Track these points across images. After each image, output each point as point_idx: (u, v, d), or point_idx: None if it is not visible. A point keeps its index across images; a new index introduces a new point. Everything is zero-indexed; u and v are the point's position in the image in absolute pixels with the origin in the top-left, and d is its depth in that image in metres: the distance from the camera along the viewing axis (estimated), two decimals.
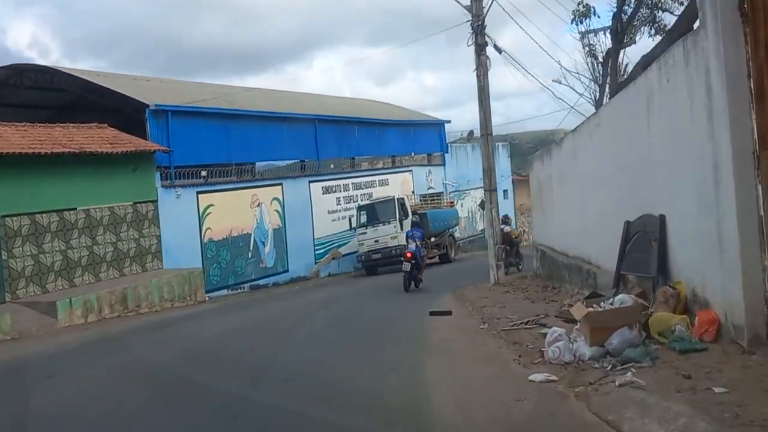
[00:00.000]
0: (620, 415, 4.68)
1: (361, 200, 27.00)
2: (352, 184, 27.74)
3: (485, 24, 14.84)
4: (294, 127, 25.50)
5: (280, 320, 12.37)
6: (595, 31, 19.60)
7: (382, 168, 31.17)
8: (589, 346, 6.51)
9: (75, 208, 16.90)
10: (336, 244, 26.22)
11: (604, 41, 18.98)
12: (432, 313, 10.90)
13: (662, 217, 7.41)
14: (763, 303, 5.41)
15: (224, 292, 21.00)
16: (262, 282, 22.60)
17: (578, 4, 16.37)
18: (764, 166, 5.40)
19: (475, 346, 7.94)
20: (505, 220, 20.40)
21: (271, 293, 20.91)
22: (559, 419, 4.96)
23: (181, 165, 20.15)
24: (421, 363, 7.20)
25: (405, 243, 23.41)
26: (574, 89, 19.14)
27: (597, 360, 6.37)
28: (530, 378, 5.99)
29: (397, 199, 24.61)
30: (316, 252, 25.39)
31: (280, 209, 23.80)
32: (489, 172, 15.06)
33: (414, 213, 25.27)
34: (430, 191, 32.60)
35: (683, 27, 13.31)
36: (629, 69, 17.66)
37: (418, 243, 15.93)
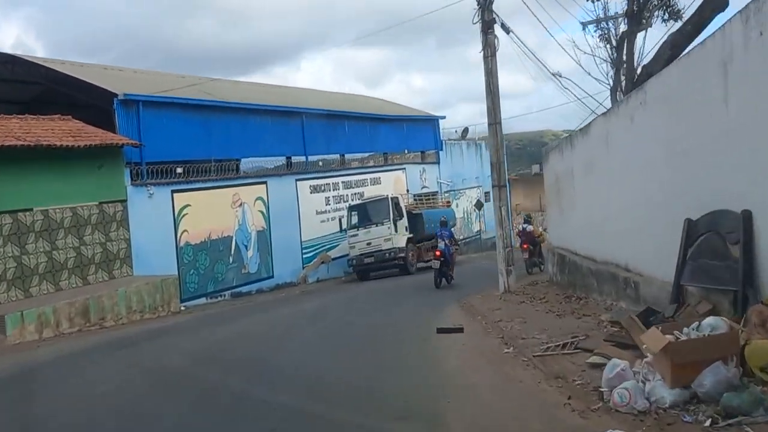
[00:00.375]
0: None
1: (352, 200, 25.26)
2: (342, 182, 25.95)
3: None
4: (280, 122, 23.71)
5: (260, 338, 10.59)
6: (609, 19, 18.20)
7: (374, 166, 29.40)
8: (669, 387, 4.82)
9: (31, 209, 15.02)
10: (325, 248, 24.45)
11: (620, 25, 17.43)
12: (440, 331, 9.17)
13: (747, 214, 5.73)
14: None
15: (202, 300, 19.16)
16: (244, 289, 20.76)
17: None
18: None
19: (504, 380, 6.20)
20: (527, 219, 19.94)
21: (254, 301, 19.11)
22: None
23: (154, 161, 18.30)
24: (434, 410, 5.42)
25: (400, 245, 22.16)
26: (574, 82, 17.66)
27: (683, 408, 4.67)
28: None
29: (391, 198, 22.87)
30: (304, 256, 23.57)
31: (264, 210, 21.97)
32: (498, 166, 13.34)
33: (410, 213, 23.59)
34: (425, 190, 30.89)
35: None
36: (644, 54, 16.23)
37: (446, 241, 16.44)
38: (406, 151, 31.61)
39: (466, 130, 37.21)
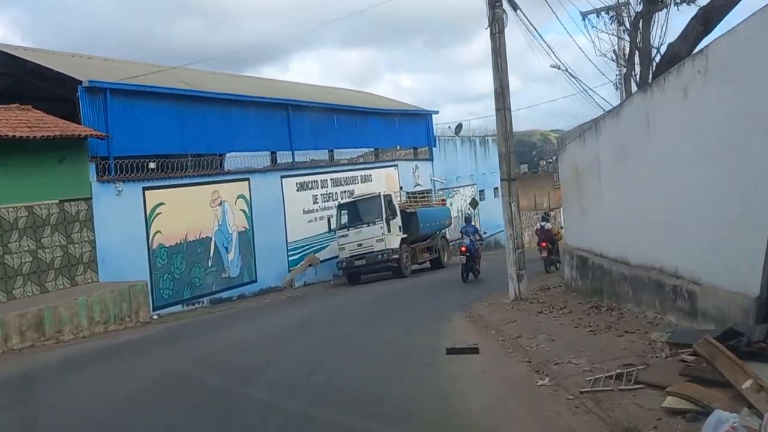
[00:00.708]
0: None
1: (342, 198, 23.63)
2: (330, 179, 24.30)
3: None
4: (264, 114, 22.04)
5: (223, 368, 8.95)
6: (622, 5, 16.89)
7: (365, 162, 27.76)
8: None
9: None
10: (313, 249, 22.80)
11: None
12: (451, 351, 7.58)
13: None
14: None
15: (178, 308, 17.45)
16: (225, 295, 19.07)
17: None
18: None
19: None
20: (546, 216, 19.58)
21: (236, 308, 17.47)
22: None
23: (123, 155, 16.59)
24: None
25: (394, 246, 20.58)
26: (575, 77, 16.40)
27: None
28: None
29: (384, 195, 21.24)
30: (290, 258, 21.90)
31: (246, 208, 20.29)
32: (507, 156, 11.76)
33: (404, 211, 22.02)
34: (418, 188, 29.33)
35: None
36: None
37: (471, 237, 16.89)
38: (398, 147, 30.03)
39: (459, 126, 35.71)
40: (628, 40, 15.70)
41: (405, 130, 30.13)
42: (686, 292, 6.97)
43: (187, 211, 18.10)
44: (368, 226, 20.66)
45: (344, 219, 21.27)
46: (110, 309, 13.98)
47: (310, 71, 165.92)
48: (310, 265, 22.59)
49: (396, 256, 20.51)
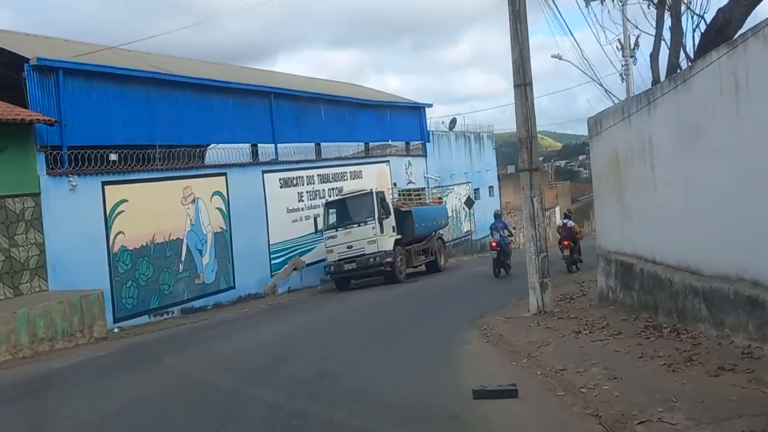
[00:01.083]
0: None
1: (330, 195, 21.61)
2: (317, 175, 22.26)
3: None
4: (243, 103, 19.98)
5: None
6: None
7: (355, 157, 25.73)
8: None
9: None
10: (298, 252, 20.76)
11: None
12: (479, 395, 5.60)
13: None
14: None
15: (144, 318, 15.36)
16: (198, 303, 16.97)
17: None
18: None
19: None
20: (568, 214, 18.95)
21: (210, 318, 15.42)
22: None
23: (79, 145, 14.48)
24: None
25: (387, 249, 18.63)
26: (580, 69, 14.65)
27: None
28: None
29: (376, 193, 19.25)
30: (272, 262, 19.83)
31: (223, 206, 18.19)
32: (528, 142, 9.80)
33: (398, 210, 20.05)
34: (411, 185, 27.39)
35: None
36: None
37: (501, 233, 17.22)
38: (390, 142, 28.07)
39: (454, 121, 33.88)
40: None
41: (397, 123, 28.24)
42: None
43: (154, 209, 16.02)
44: (359, 226, 18.69)
45: (332, 218, 19.26)
46: (57, 324, 11.86)
47: (296, 71, 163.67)
48: (294, 269, 20.58)
49: (389, 260, 18.55)
